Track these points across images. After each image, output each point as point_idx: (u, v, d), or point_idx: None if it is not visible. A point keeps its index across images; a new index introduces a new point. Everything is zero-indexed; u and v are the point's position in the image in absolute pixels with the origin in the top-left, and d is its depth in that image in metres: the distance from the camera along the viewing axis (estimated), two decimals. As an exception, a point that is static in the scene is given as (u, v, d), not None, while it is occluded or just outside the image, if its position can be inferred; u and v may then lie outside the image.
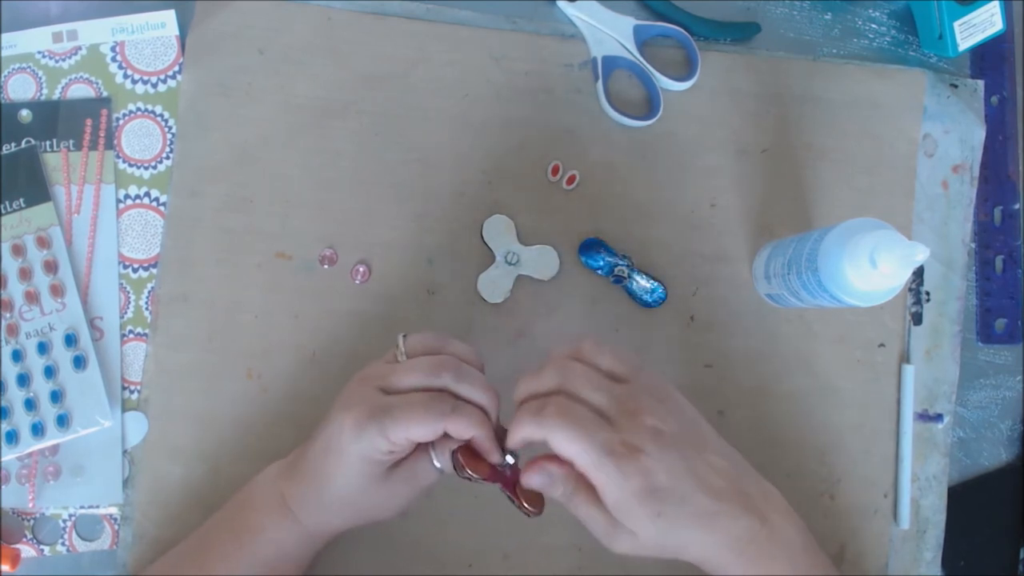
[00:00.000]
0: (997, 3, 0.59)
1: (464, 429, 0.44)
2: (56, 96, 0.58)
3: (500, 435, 0.45)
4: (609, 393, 0.43)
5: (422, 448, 0.47)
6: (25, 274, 0.56)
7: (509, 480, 0.46)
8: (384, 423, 0.43)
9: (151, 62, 0.58)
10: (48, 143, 0.57)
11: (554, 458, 0.43)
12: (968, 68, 0.64)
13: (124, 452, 0.55)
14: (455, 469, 0.45)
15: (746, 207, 0.60)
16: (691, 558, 0.45)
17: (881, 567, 0.58)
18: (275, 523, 0.48)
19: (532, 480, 0.44)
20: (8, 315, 0.56)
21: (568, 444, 0.42)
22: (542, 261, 0.58)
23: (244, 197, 0.58)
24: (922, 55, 0.63)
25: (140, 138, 0.58)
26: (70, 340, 0.55)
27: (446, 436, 0.45)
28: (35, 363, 0.55)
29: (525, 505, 0.45)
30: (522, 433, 0.43)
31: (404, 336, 0.47)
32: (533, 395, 0.44)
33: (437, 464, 0.46)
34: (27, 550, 0.55)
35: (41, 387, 0.55)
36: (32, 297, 0.56)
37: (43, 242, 0.56)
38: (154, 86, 0.58)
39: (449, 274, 0.58)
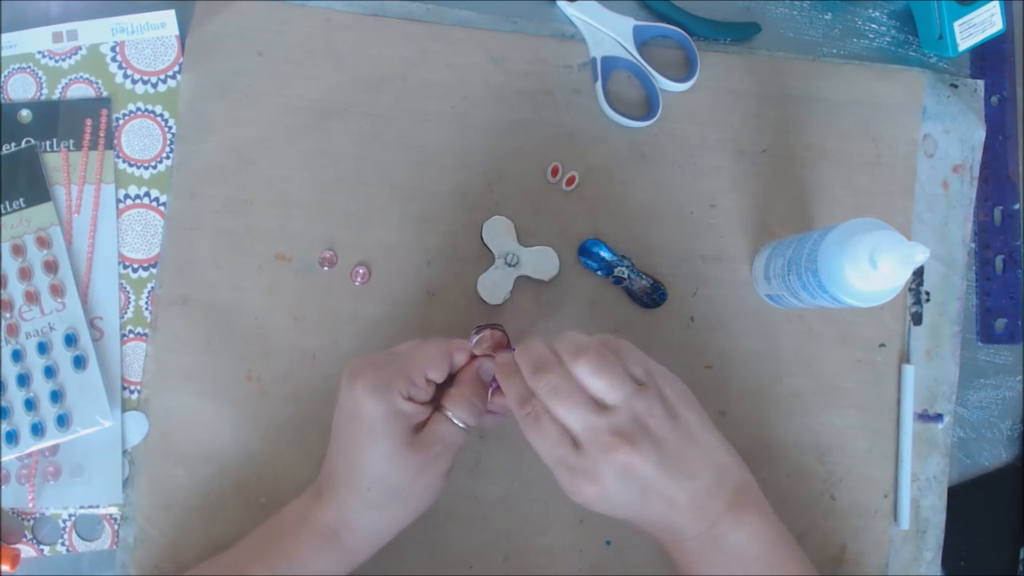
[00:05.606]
0: (997, 3, 0.59)
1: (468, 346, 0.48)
2: (56, 96, 0.58)
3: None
4: (586, 423, 0.44)
5: (437, 412, 0.48)
6: (25, 274, 0.56)
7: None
8: (396, 364, 0.46)
9: (151, 62, 0.58)
10: (48, 143, 0.57)
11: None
12: (968, 68, 0.64)
13: (124, 452, 0.55)
14: (476, 337, 0.49)
15: (746, 207, 0.60)
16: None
17: (881, 567, 0.58)
18: (313, 549, 0.47)
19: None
20: (8, 315, 0.56)
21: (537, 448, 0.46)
22: (542, 262, 0.58)
23: (244, 199, 0.58)
24: (922, 55, 0.63)
25: (140, 138, 0.58)
26: (70, 340, 0.55)
27: (456, 391, 0.48)
28: (35, 363, 0.55)
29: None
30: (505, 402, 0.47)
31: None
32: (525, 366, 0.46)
33: (457, 421, 0.47)
34: (27, 550, 0.55)
35: (41, 387, 0.55)
36: (32, 297, 0.56)
37: (43, 242, 0.56)
38: (154, 86, 0.58)
39: (449, 276, 0.58)
